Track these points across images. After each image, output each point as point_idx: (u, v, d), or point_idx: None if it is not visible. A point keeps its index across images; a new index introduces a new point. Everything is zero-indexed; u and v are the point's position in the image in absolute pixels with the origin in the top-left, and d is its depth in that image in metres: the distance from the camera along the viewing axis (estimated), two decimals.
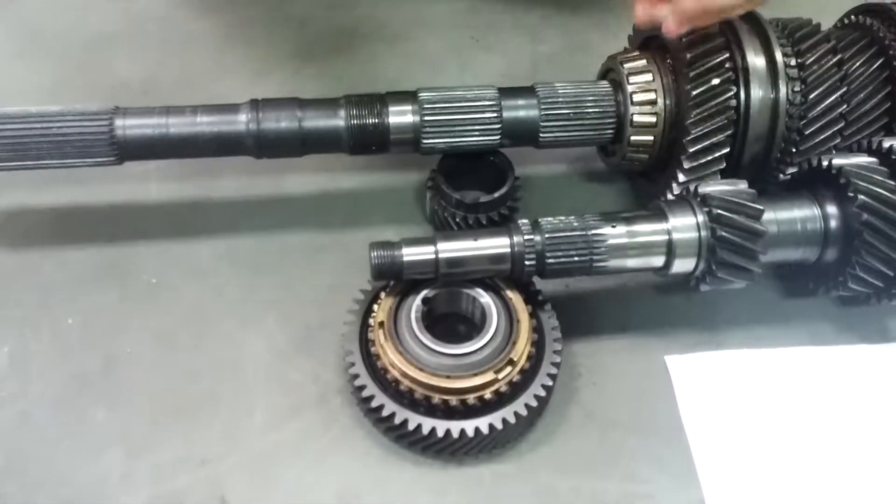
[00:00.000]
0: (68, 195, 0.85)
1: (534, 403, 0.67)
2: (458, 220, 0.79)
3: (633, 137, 0.76)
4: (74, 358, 0.73)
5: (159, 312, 0.77)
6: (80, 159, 0.74)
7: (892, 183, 0.69)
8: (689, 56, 0.72)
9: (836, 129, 0.75)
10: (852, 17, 0.83)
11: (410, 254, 0.68)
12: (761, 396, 0.72)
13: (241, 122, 0.74)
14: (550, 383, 0.68)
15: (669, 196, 0.75)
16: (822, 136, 0.75)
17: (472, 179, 0.82)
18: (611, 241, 0.69)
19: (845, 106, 0.75)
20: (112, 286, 0.78)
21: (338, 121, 0.75)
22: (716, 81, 0.72)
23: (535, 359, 0.69)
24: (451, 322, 0.73)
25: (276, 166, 0.85)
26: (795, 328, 0.78)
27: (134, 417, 0.70)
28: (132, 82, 0.95)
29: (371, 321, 0.70)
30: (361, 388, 0.67)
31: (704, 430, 0.70)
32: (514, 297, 0.71)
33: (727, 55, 0.73)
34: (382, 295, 0.71)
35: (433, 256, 0.68)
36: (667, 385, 0.73)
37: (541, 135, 0.77)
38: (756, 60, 0.73)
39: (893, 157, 0.70)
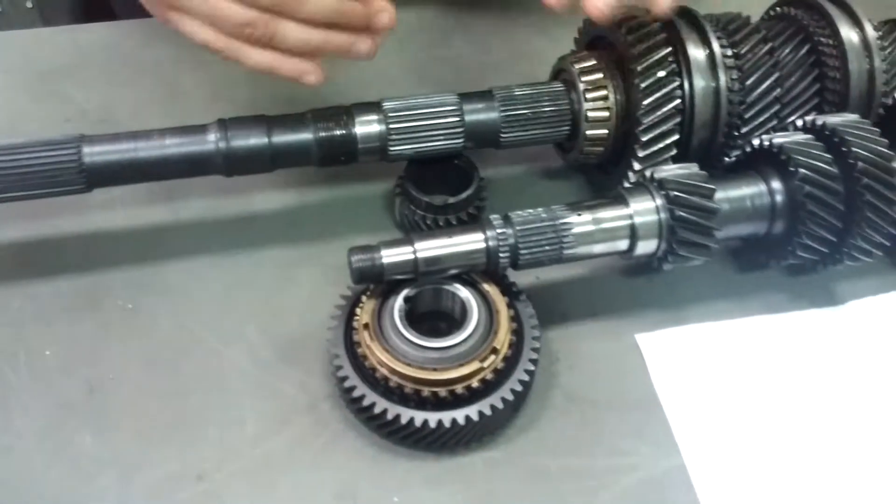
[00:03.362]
0: (32, 229, 0.84)
1: (519, 388, 0.69)
2: (428, 222, 0.82)
3: (588, 132, 0.80)
4: (56, 387, 0.73)
5: (138, 336, 0.77)
6: (48, 189, 0.74)
7: (829, 156, 0.75)
8: (634, 52, 0.77)
9: (772, 111, 0.81)
10: (778, 8, 0.89)
11: (390, 255, 0.70)
12: (726, 364, 0.77)
13: (210, 141, 0.76)
14: (533, 368, 0.71)
15: (626, 184, 0.79)
16: (761, 119, 0.81)
17: (438, 183, 0.84)
18: (577, 229, 0.73)
19: (779, 90, 0.81)
20: (87, 315, 0.78)
21: (306, 134, 0.77)
22: (661, 74, 0.77)
23: (516, 346, 0.72)
24: (432, 320, 0.75)
25: (243, 185, 0.87)
26: (751, 300, 0.82)
27: (124, 440, 0.70)
28: (88, 112, 0.95)
29: (355, 324, 0.72)
30: (351, 388, 0.69)
31: (679, 400, 0.74)
32: (491, 289, 0.73)
33: (670, 49, 0.78)
34: (364, 298, 0.73)
35: (412, 256, 0.70)
36: (639, 362, 0.77)
37: (501, 136, 0.81)
38: (696, 53, 0.79)
39: (827, 132, 0.76)
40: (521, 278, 0.80)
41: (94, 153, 0.74)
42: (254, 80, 1.00)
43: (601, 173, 0.87)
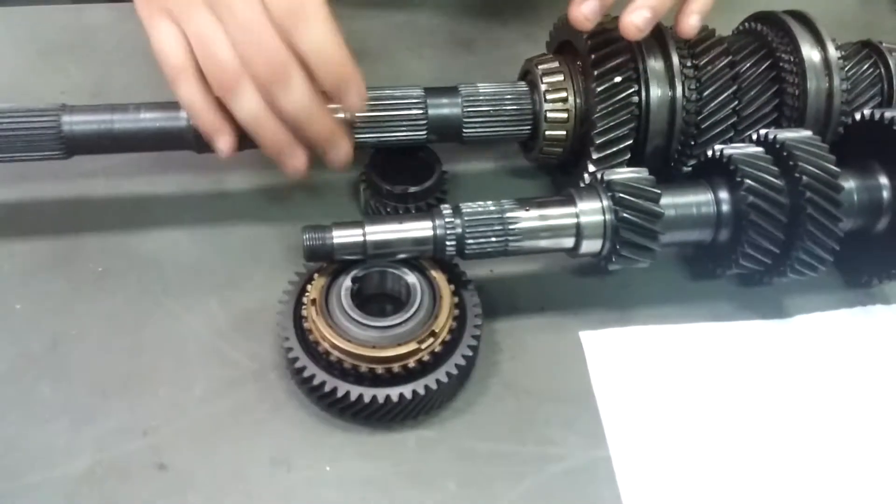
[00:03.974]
0: (18, 192, 0.89)
1: (454, 372, 0.72)
2: (388, 210, 0.85)
3: (547, 132, 0.83)
4: (22, 339, 0.77)
5: (105, 297, 0.81)
6: (28, 153, 0.79)
7: (775, 169, 0.77)
8: (594, 57, 0.80)
9: (729, 123, 0.83)
10: (747, 24, 0.91)
11: (340, 236, 0.74)
12: (664, 366, 0.79)
13: (183, 118, 0.79)
14: (471, 354, 0.74)
15: (581, 185, 0.81)
16: (717, 130, 0.83)
17: (403, 174, 0.87)
18: (524, 224, 0.75)
19: (736, 102, 0.83)
20: (59, 274, 0.82)
21: None
22: (618, 79, 0.79)
23: (457, 332, 0.75)
24: (379, 302, 0.79)
25: (219, 165, 0.90)
26: (699, 307, 0.84)
27: (79, 392, 0.74)
28: (82, 87, 1.00)
29: (305, 300, 0.75)
30: (294, 359, 0.72)
31: (613, 397, 0.76)
32: (438, 276, 0.76)
33: (629, 56, 0.80)
34: (316, 276, 0.76)
35: (361, 238, 0.74)
36: (580, 358, 0.79)
37: (464, 131, 0.84)
38: (654, 62, 0.81)
39: (777, 146, 0.78)
40: (476, 270, 0.83)
41: (73, 122, 0.78)
42: None
43: (564, 174, 0.90)
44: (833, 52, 0.84)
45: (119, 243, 0.85)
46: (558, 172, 0.91)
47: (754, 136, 0.82)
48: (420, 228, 0.75)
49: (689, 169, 0.85)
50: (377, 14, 1.14)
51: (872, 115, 0.80)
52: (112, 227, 0.86)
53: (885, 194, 0.80)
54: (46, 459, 0.69)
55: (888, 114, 0.79)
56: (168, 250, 0.85)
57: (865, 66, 0.87)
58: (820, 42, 0.84)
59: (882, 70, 0.88)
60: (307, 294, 0.75)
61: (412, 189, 0.84)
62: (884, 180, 0.80)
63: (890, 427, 0.76)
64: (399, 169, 0.87)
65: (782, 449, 0.74)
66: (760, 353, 0.81)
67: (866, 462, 0.73)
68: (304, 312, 0.74)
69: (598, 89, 0.79)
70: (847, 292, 0.87)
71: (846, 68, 0.85)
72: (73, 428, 0.71)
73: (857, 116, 0.83)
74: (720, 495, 0.71)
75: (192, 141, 0.80)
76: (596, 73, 0.79)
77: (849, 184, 0.80)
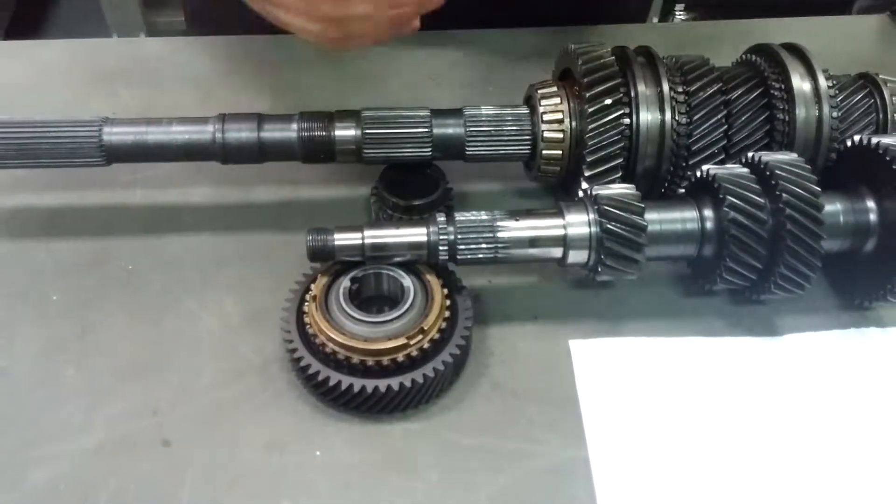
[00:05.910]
0: (64, 198, 0.98)
1: (442, 368, 0.77)
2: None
3: (544, 151, 0.88)
4: (54, 326, 0.85)
5: (131, 293, 0.88)
6: (72, 159, 0.88)
7: (758, 187, 0.80)
8: (587, 80, 0.85)
9: (719, 147, 0.86)
10: (744, 56, 0.95)
11: (341, 238, 0.80)
12: (650, 376, 0.81)
13: (209, 131, 0.88)
14: (458, 352, 0.78)
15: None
16: (707, 153, 0.86)
17: (410, 189, 0.93)
18: (514, 234, 0.80)
19: (727, 127, 0.86)
20: (93, 271, 0.90)
21: (291, 133, 0.88)
22: (608, 101, 0.84)
23: (447, 332, 0.79)
24: (378, 303, 0.84)
25: (245, 178, 0.99)
26: (690, 323, 0.87)
27: (99, 376, 0.81)
28: (131, 108, 1.09)
29: (307, 297, 0.81)
30: (294, 350, 0.78)
31: (596, 403, 0.79)
32: (433, 280, 0.81)
33: (619, 81, 0.85)
34: (319, 276, 0.82)
35: (360, 241, 0.80)
36: (568, 364, 0.83)
37: (467, 149, 0.90)
38: (645, 88, 0.86)
39: (761, 166, 0.81)
40: (475, 280, 0.88)
41: (112, 133, 0.87)
42: (277, 96, 1.13)
43: (565, 193, 0.94)
44: (823, 82, 0.87)
45: (148, 246, 0.93)
46: (560, 191, 0.96)
47: (743, 160, 0.85)
48: (415, 234, 0.80)
49: (683, 190, 0.88)
50: (402, 47, 1.21)
51: (861, 140, 0.83)
52: (143, 232, 0.95)
53: (872, 217, 0.82)
54: (62, 434, 0.76)
55: (875, 139, 0.81)
56: (191, 253, 0.93)
57: (860, 97, 0.90)
58: (811, 72, 0.88)
59: (877, 100, 0.90)
60: (310, 292, 0.81)
61: (417, 202, 0.90)
62: (871, 203, 0.82)
63: (878, 450, 0.76)
64: (409, 185, 0.93)
65: (765, 467, 0.75)
66: (748, 369, 0.83)
67: (851, 484, 0.74)
68: (306, 308, 0.80)
69: (590, 111, 0.84)
70: (842, 314, 0.88)
71: (839, 97, 0.88)
72: (89, 407, 0.78)
73: (848, 143, 0.85)
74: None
75: (218, 152, 0.88)
76: (588, 95, 0.84)
77: (835, 206, 0.82)
